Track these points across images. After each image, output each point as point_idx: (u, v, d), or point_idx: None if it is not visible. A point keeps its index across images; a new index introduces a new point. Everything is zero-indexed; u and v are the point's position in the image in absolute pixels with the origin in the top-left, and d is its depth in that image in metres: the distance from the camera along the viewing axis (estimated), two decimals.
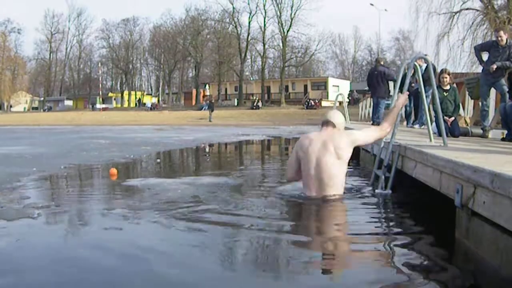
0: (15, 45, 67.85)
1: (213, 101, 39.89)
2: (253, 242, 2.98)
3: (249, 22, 54.22)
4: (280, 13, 52.29)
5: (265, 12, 53.29)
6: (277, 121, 32.50)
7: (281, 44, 53.96)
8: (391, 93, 10.23)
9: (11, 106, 64.80)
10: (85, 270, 2.42)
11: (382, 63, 11.33)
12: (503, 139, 6.18)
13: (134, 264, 2.54)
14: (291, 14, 52.34)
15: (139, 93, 68.69)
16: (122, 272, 2.43)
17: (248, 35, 54.85)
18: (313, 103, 44.51)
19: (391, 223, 3.48)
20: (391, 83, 10.76)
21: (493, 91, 7.43)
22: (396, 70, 22.09)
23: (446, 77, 7.07)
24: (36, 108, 70.82)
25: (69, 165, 7.27)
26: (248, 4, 54.04)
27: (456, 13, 24.37)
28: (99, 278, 2.33)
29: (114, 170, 6.24)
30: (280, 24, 52.63)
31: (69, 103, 70.71)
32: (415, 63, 4.99)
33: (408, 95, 9.52)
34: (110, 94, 69.82)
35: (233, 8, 54.86)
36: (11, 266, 2.49)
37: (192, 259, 2.62)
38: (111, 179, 5.88)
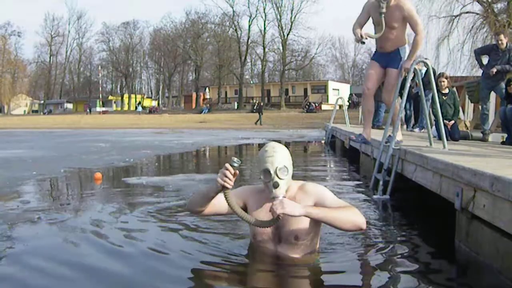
0: (15, 48, 68.01)
1: (261, 103, 39.74)
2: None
3: (249, 26, 54.41)
4: (280, 17, 52.46)
5: (265, 16, 53.57)
6: (277, 125, 32.48)
7: (281, 48, 54.04)
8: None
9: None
10: (87, 273, 2.42)
11: None
12: (503, 143, 6.18)
13: (137, 264, 2.54)
14: (291, 18, 52.54)
15: (139, 96, 68.69)
16: (125, 274, 2.43)
17: (248, 39, 54.98)
18: (313, 107, 44.53)
19: (389, 227, 3.48)
20: None
21: (493, 95, 7.45)
22: None
23: (443, 81, 7.07)
24: (36, 111, 70.85)
25: (69, 169, 7.27)
26: (248, 7, 54.40)
27: (456, 16, 24.44)
28: (103, 280, 2.34)
29: (98, 175, 6.27)
30: (280, 28, 52.75)
31: (69, 106, 70.77)
32: (415, 66, 5.00)
33: (408, 99, 9.61)
34: (110, 97, 69.82)
35: (233, 11, 55.14)
36: (11, 270, 2.48)
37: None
38: (96, 183, 5.90)
